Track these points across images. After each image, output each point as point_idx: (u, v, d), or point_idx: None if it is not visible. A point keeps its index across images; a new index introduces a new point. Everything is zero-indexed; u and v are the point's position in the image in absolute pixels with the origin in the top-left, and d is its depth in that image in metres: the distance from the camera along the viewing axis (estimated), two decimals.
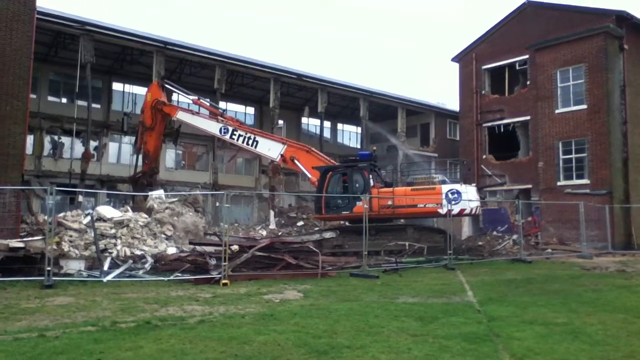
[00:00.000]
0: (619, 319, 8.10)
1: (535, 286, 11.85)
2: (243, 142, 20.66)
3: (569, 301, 9.65)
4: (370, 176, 18.69)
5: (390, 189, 18.93)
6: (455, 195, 17.82)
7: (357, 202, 17.40)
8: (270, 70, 32.64)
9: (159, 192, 20.50)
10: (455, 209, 17.82)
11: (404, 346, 6.22)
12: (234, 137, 20.82)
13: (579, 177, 26.17)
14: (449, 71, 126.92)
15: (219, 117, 21.47)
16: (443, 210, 17.72)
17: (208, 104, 22.72)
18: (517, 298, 9.99)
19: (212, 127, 21.39)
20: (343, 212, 18.52)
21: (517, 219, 20.71)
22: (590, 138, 25.81)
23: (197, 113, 22.72)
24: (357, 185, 18.53)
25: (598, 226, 22.57)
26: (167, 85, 22.94)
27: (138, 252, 14.75)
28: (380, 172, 20.32)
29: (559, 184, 26.74)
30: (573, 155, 26.55)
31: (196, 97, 22.61)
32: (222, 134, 21.09)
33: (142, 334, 6.65)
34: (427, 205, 17.72)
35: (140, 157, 23.39)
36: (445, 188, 18.18)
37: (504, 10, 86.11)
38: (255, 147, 20.54)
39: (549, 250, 21.96)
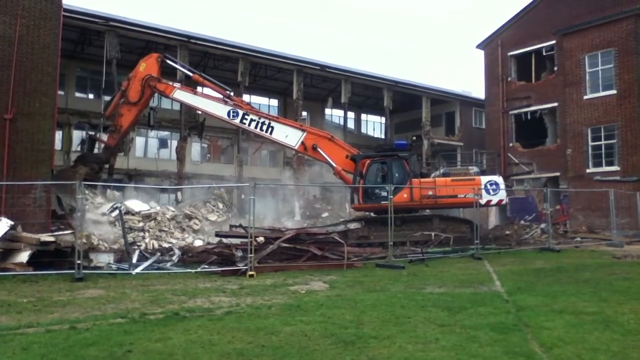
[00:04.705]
0: None
1: (565, 275, 11.64)
2: (256, 128, 19.08)
3: (599, 290, 9.45)
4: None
5: (432, 179, 18.90)
6: (494, 186, 18.31)
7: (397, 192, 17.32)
8: (293, 62, 32.65)
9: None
10: (494, 199, 18.46)
11: (431, 336, 6.17)
12: (244, 121, 19.13)
13: (609, 164, 25.65)
14: (450, 64, 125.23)
15: (227, 99, 19.50)
16: (483, 201, 18.06)
17: (212, 82, 20.21)
18: (546, 287, 9.83)
19: (219, 109, 19.44)
20: (383, 202, 17.32)
21: (545, 207, 20.43)
22: (620, 124, 25.27)
23: (200, 93, 20.76)
24: (396, 175, 18.40)
25: (629, 214, 22.10)
26: (167, 61, 20.87)
27: (166, 245, 14.97)
28: (417, 162, 20.15)
29: (588, 171, 26.26)
30: (602, 142, 26.02)
31: (198, 74, 20.60)
32: (231, 117, 19.22)
33: (171, 325, 6.72)
34: (467, 196, 17.73)
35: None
36: (484, 179, 18.61)
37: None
38: (271, 133, 19.09)
39: (578, 238, 21.56)
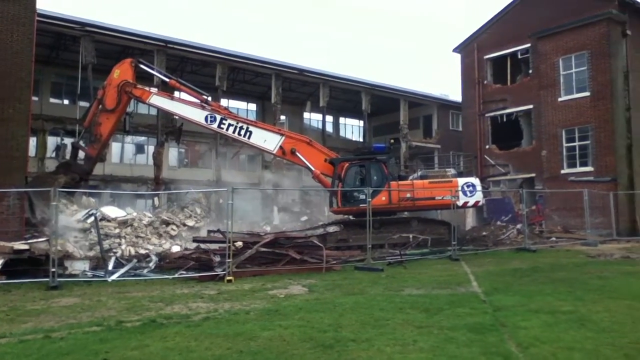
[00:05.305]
0: (625, 305, 8.10)
1: (541, 275, 11.81)
2: (234, 133, 18.92)
3: (574, 289, 9.62)
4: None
5: (410, 182, 19.03)
6: (471, 188, 18.51)
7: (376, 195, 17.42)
8: (271, 66, 32.65)
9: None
10: (471, 201, 18.71)
11: (409, 338, 6.21)
12: (222, 126, 18.95)
13: (583, 164, 26.10)
14: (449, 65, 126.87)
15: (204, 104, 19.26)
16: (460, 203, 18.23)
17: (189, 88, 19.84)
18: (522, 287, 9.97)
19: (196, 114, 19.18)
20: (361, 205, 17.27)
21: (521, 208, 20.75)
22: (593, 125, 25.72)
23: (177, 98, 20.36)
24: (375, 178, 18.50)
25: (602, 213, 22.49)
26: (141, 65, 20.32)
27: (142, 251, 14.79)
28: (396, 165, 20.26)
29: (562, 172, 26.69)
30: (577, 143, 26.46)
31: (175, 79, 20.21)
32: (209, 122, 19.01)
33: (148, 332, 6.66)
34: (444, 198, 17.92)
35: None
36: (461, 181, 18.79)
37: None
38: (249, 137, 18.94)
39: (554, 238, 21.90)
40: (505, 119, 31.31)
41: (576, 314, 7.46)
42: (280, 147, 19.00)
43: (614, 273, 12.04)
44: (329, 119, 42.42)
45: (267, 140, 19.08)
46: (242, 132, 18.99)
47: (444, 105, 41.90)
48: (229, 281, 11.09)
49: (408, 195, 18.27)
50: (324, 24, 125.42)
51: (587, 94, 26.06)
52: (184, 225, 18.34)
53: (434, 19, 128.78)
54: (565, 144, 26.83)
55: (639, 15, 27.20)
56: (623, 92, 25.76)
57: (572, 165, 26.56)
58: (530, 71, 30.03)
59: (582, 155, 26.24)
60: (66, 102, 31.13)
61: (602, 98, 25.46)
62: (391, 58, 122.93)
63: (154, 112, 27.46)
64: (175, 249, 15.60)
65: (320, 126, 37.83)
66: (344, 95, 40.23)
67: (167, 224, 17.77)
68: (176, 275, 12.01)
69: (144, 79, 23.13)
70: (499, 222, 24.79)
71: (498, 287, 9.97)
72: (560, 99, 27.13)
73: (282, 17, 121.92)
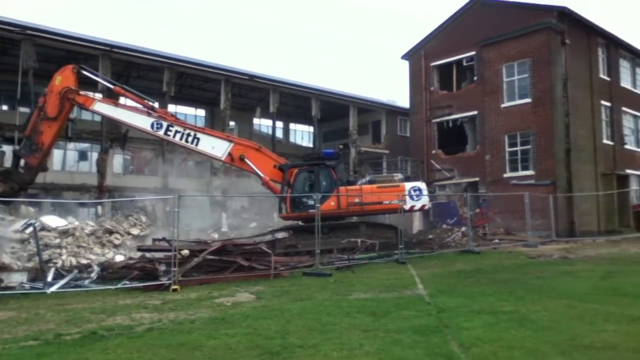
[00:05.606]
0: (563, 304, 8.40)
1: (484, 276, 12.14)
2: (181, 140, 18.56)
3: (515, 289, 9.93)
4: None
5: (358, 187, 19.15)
6: (417, 192, 18.70)
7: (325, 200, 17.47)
8: (221, 72, 32.39)
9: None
10: (418, 205, 18.88)
11: (355, 342, 6.25)
12: (169, 133, 18.57)
13: (524, 168, 27.04)
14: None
15: (150, 111, 18.77)
16: (407, 207, 18.43)
17: (134, 94, 19.28)
18: (466, 289, 10.21)
19: (142, 121, 18.67)
20: (310, 211, 17.22)
21: (466, 211, 21.27)
22: (535, 130, 26.68)
23: (122, 105, 19.73)
24: (324, 183, 18.56)
25: (543, 215, 23.31)
26: (84, 72, 19.55)
27: (84, 261, 14.31)
28: (345, 171, 20.35)
29: (505, 175, 27.57)
30: (518, 148, 27.39)
31: (120, 86, 19.60)
32: (155, 129, 18.56)
33: (88, 345, 6.45)
34: (392, 202, 18.11)
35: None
36: (408, 185, 18.97)
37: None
38: (197, 144, 18.60)
39: (496, 240, 22.55)
40: (451, 125, 31.98)
41: (516, 313, 7.69)
42: (229, 154, 18.74)
43: (553, 273, 12.50)
44: (279, 124, 42.38)
45: (215, 147, 18.75)
46: (190, 139, 18.60)
47: (392, 111, 42.55)
48: (175, 290, 10.86)
49: (356, 200, 18.42)
50: (324, 24, 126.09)
51: (528, 100, 27.03)
52: (129, 234, 17.88)
53: (435, 19, 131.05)
54: (507, 149, 27.74)
55: (577, 25, 28.40)
56: (562, 99, 26.83)
57: (514, 169, 27.48)
58: (475, 78, 30.80)
59: (524, 159, 27.17)
60: (5, 107, 29.87)
61: (543, 104, 26.46)
62: (390, 57, 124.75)
63: (98, 118, 26.64)
64: (119, 258, 15.17)
65: (270, 132, 37.78)
66: (294, 101, 40.29)
67: (111, 232, 17.28)
68: (119, 286, 11.65)
69: (88, 84, 22.45)
70: (444, 225, 25.31)
71: (442, 289, 10.17)
72: (503, 105, 28.04)
73: (286, 18, 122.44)
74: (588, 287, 10.18)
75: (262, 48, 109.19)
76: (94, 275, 13.00)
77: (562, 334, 6.41)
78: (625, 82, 32.87)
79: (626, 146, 31.66)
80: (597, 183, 28.32)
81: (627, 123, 32.70)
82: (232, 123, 34.94)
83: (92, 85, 23.35)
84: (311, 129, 42.66)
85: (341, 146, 32.78)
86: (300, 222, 19.23)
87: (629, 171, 31.31)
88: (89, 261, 14.20)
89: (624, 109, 31.95)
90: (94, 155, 30.14)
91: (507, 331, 6.65)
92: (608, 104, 30.39)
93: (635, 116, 33.36)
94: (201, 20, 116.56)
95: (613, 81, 31.15)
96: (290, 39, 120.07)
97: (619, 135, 31.18)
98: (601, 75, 30.26)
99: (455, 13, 32.27)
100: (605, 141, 29.91)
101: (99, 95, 21.02)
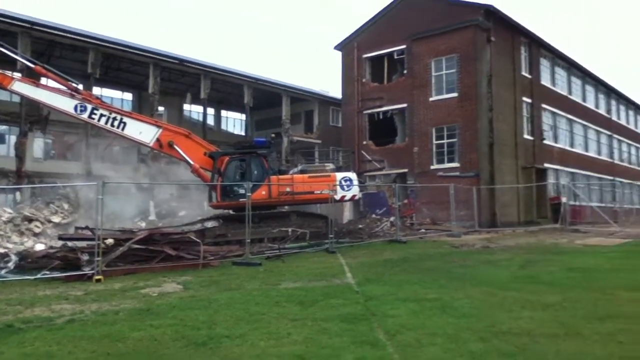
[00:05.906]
0: (483, 292, 8.77)
1: (410, 265, 12.50)
2: (107, 124, 17.92)
3: (439, 278, 10.29)
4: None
5: (290, 176, 19.12)
6: (348, 182, 19.03)
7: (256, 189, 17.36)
8: (149, 55, 31.25)
9: None
10: (348, 195, 19.27)
11: (283, 331, 6.28)
12: (93, 116, 17.87)
13: (450, 160, 28.00)
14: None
15: (74, 93, 18.09)
16: (338, 196, 18.65)
17: (56, 74, 18.53)
18: (392, 277, 10.48)
19: (64, 103, 17.91)
20: (241, 200, 17.23)
21: (394, 201, 21.80)
22: (460, 124, 27.64)
23: (43, 85, 18.93)
24: (255, 172, 18.41)
25: (466, 206, 24.24)
26: (1, 49, 18.62)
27: (1, 250, 13.56)
28: (277, 160, 20.32)
29: (432, 167, 28.44)
30: (445, 141, 28.30)
31: (41, 65, 18.68)
32: (79, 112, 17.81)
33: (3, 338, 6.15)
34: (323, 192, 18.26)
35: None
36: (339, 175, 19.23)
37: None
38: (123, 129, 18.03)
39: (423, 230, 23.25)
40: (381, 116, 32.54)
41: (440, 301, 7.96)
42: (157, 140, 18.29)
43: (475, 262, 13.05)
44: (210, 111, 41.59)
45: (142, 132, 18.30)
46: (116, 123, 18.02)
47: (325, 101, 42.73)
48: (98, 281, 10.48)
49: (288, 189, 18.47)
50: (324, 24, 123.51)
51: (455, 95, 27.95)
52: (50, 222, 17.11)
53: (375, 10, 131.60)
54: (435, 142, 28.61)
55: (502, 23, 29.60)
56: (487, 94, 27.92)
57: (440, 161, 28.40)
58: (405, 71, 31.44)
59: (450, 152, 28.13)
60: None
61: (468, 99, 27.44)
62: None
63: (17, 99, 25.17)
64: (39, 247, 14.52)
65: (200, 119, 37.00)
66: (226, 88, 39.60)
67: (30, 220, 16.49)
68: (39, 276, 11.11)
69: (6, 62, 21.12)
70: (374, 215, 25.80)
71: (370, 278, 10.39)
72: (431, 99, 28.84)
73: (285, 18, 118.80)
74: (507, 276, 10.65)
75: (262, 48, 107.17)
76: (11, 265, 12.37)
77: (482, 321, 6.67)
78: (545, 80, 34.69)
79: (545, 141, 33.46)
80: (518, 176, 29.77)
81: (546, 119, 34.55)
82: (161, 108, 33.95)
83: (11, 64, 22.00)
84: (243, 116, 42.18)
85: (273, 135, 32.56)
86: (230, 211, 19.05)
87: (547, 165, 33.15)
88: (6, 250, 13.46)
89: (543, 105, 33.73)
90: (12, 139, 28.48)
91: (430, 318, 6.87)
92: (529, 100, 31.98)
93: (553, 113, 35.29)
94: (201, 20, 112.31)
95: (534, 79, 32.78)
96: (290, 39, 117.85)
97: (538, 131, 32.89)
98: (523, 73, 31.75)
99: (387, 6, 32.70)
100: (525, 136, 31.48)
101: (17, 75, 19.75)
